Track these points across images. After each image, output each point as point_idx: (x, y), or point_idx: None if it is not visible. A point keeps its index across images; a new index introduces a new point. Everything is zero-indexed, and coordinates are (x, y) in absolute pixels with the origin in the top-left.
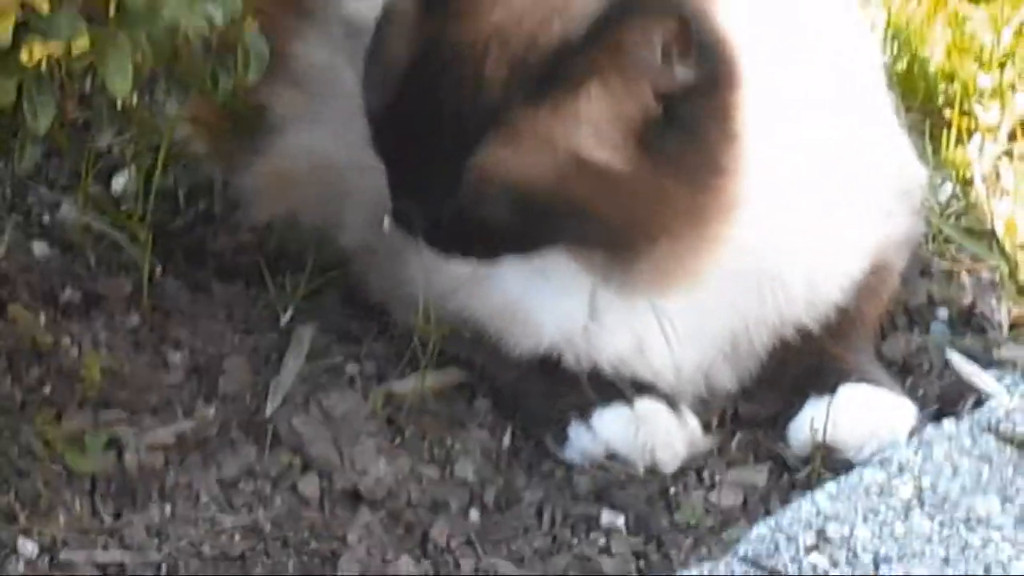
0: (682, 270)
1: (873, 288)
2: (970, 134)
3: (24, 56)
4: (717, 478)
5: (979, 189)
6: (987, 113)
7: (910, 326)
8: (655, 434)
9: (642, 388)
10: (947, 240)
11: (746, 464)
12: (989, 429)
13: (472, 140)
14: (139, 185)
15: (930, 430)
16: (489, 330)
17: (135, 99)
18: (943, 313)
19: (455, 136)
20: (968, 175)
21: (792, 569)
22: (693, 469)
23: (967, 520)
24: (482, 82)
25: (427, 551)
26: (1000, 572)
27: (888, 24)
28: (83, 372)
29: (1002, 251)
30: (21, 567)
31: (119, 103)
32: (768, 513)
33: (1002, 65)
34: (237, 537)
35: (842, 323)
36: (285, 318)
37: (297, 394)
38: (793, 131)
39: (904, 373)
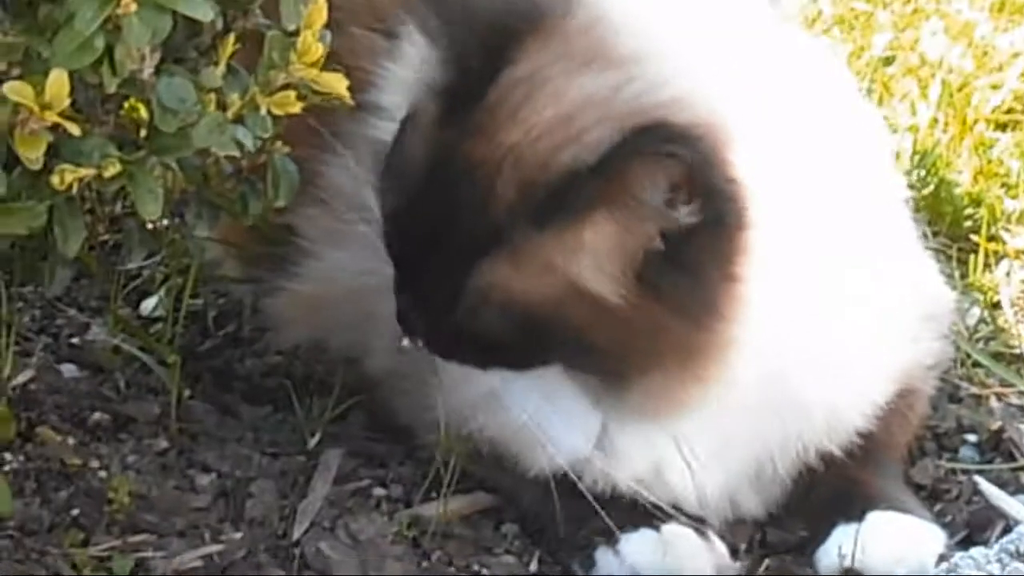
0: (671, 403)
1: (901, 413)
2: (998, 259)
3: (55, 180)
4: None
5: (1007, 314)
6: (1014, 238)
7: (939, 451)
8: (683, 559)
9: (669, 513)
10: (976, 365)
11: None
12: (1018, 556)
13: (476, 256)
14: (168, 308)
15: (958, 556)
16: (507, 451)
17: (165, 222)
18: (972, 438)
19: (460, 249)
20: (996, 300)
21: None
22: None
23: None
24: (491, 200)
25: None
26: None
27: (914, 149)
28: (111, 495)
29: None
30: None
31: (149, 226)
32: None
33: None
34: None
35: (868, 449)
36: (312, 441)
37: (324, 518)
38: (812, 263)
39: (933, 499)
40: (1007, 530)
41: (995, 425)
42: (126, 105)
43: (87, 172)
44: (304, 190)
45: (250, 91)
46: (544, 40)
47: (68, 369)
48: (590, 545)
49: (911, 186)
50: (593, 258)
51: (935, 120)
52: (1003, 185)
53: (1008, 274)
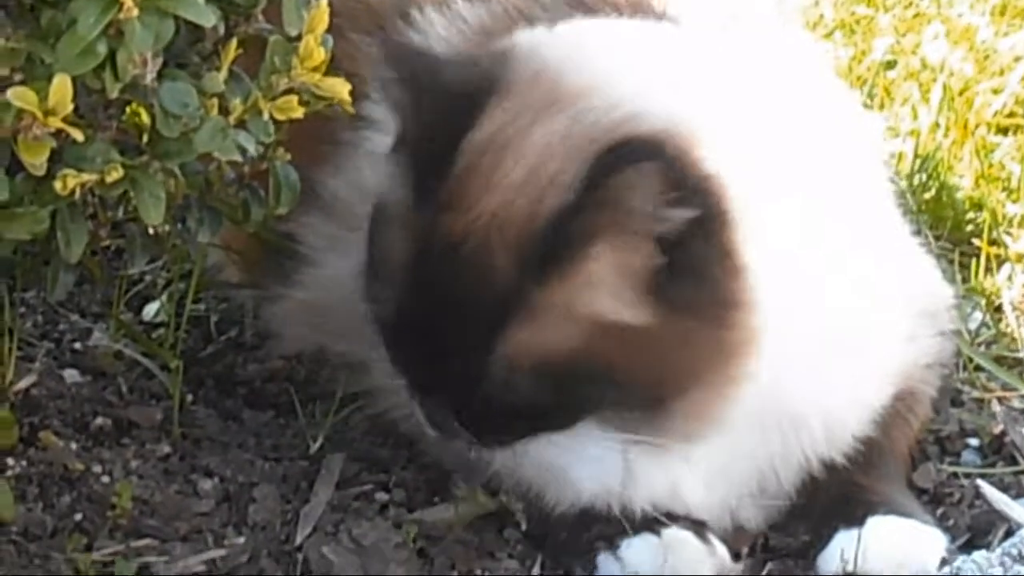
0: (711, 415)
1: (901, 416)
2: (999, 263)
3: (58, 185)
4: None
5: (1009, 317)
6: (1016, 242)
7: (941, 455)
8: (684, 563)
9: (670, 517)
10: (977, 368)
11: None
12: (1020, 559)
13: (491, 330)
14: (170, 313)
15: (961, 560)
16: (528, 488)
17: (167, 227)
18: (974, 442)
19: (472, 329)
20: (998, 303)
21: None
22: None
23: None
24: (490, 271)
25: None
26: None
27: (916, 154)
28: (114, 500)
29: None
30: None
31: (151, 231)
32: None
33: None
34: None
35: (869, 453)
36: (315, 446)
37: (327, 522)
38: (799, 262)
39: (935, 503)
40: (1009, 534)
41: (997, 429)
42: (128, 110)
43: (90, 177)
44: (305, 198)
45: (252, 96)
46: (497, 101)
47: (70, 374)
48: (592, 550)
49: (913, 190)
50: (606, 288)
51: (936, 124)
52: (1004, 189)
53: (1010, 278)
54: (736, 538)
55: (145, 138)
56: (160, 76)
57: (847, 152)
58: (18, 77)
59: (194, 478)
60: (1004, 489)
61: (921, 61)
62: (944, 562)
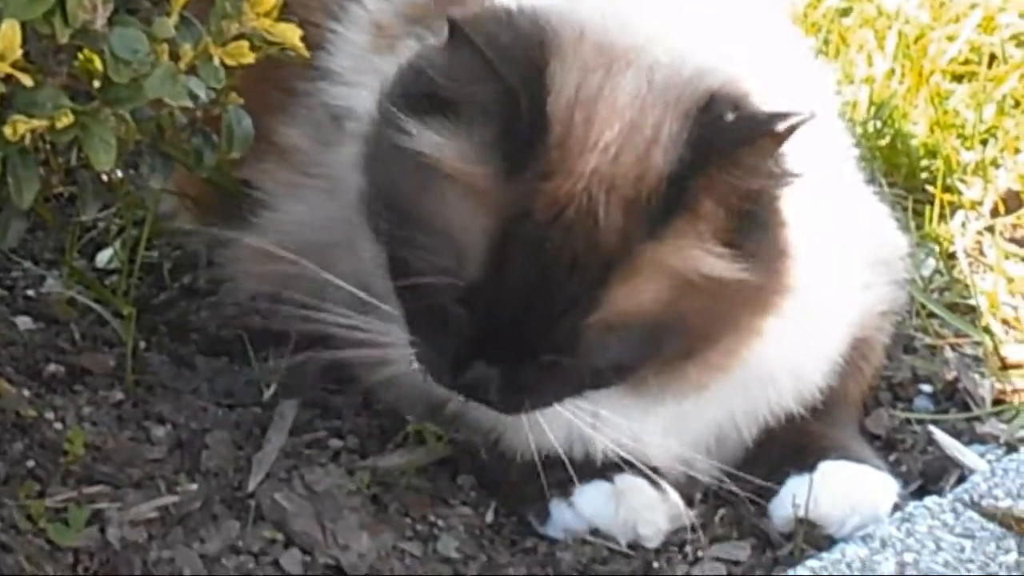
0: (726, 365)
1: (855, 363)
2: (953, 210)
3: (8, 131)
4: (700, 553)
5: (962, 264)
6: (970, 189)
7: (893, 401)
8: (636, 509)
9: (622, 464)
10: (930, 315)
11: (729, 539)
12: (972, 505)
13: (594, 290)
14: (124, 260)
15: (913, 506)
16: (488, 434)
17: (120, 174)
18: (927, 388)
19: (570, 294)
20: (951, 250)
21: None
22: (676, 544)
23: None
24: (595, 232)
25: None
26: None
27: (871, 101)
28: (66, 446)
29: (985, 326)
30: None
31: (104, 177)
32: None
33: (984, 141)
34: None
35: (825, 402)
36: (268, 393)
37: (280, 469)
38: None
39: (887, 449)
40: (961, 480)
41: (950, 375)
42: (79, 56)
43: (40, 123)
44: (261, 146)
45: (203, 41)
46: (557, 64)
47: (23, 321)
48: (545, 497)
49: (867, 137)
50: (705, 243)
51: (891, 71)
52: (959, 136)
53: (963, 225)
54: (689, 485)
55: (96, 84)
56: (110, 22)
57: (802, 102)
58: None
59: (147, 425)
60: (956, 435)
61: (877, 8)
62: (896, 507)
